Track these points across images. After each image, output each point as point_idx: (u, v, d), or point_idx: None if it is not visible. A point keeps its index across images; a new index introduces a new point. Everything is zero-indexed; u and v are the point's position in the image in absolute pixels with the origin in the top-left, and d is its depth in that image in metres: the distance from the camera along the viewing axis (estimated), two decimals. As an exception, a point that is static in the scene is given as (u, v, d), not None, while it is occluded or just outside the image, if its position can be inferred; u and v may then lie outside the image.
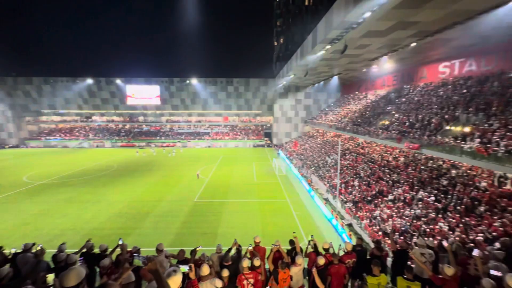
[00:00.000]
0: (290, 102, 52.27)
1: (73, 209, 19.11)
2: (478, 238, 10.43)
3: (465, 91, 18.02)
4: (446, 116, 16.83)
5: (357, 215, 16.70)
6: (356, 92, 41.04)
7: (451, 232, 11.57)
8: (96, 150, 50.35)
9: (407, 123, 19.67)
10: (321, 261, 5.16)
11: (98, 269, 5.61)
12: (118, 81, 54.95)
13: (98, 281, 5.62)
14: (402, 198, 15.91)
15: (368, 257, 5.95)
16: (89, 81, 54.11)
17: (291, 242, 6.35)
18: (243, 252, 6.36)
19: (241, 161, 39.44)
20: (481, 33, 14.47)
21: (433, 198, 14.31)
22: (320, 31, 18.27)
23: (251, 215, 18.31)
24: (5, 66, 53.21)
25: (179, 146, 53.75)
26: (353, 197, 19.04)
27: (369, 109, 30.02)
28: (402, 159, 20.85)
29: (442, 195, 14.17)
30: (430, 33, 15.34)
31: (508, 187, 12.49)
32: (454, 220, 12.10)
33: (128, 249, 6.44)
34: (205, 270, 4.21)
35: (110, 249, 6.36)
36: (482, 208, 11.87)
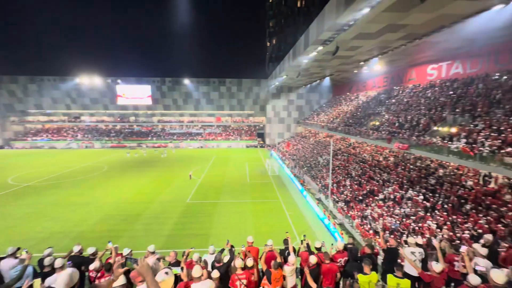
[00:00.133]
0: (283, 103, 52.53)
1: (61, 212, 18.58)
2: (464, 235, 10.76)
3: (451, 92, 18.58)
4: (434, 117, 17.30)
5: (349, 214, 16.94)
6: (348, 93, 41.64)
7: (439, 230, 11.89)
8: (85, 151, 49.15)
9: (397, 124, 20.10)
10: (313, 260, 5.21)
11: (87, 273, 5.48)
12: (108, 81, 53.91)
13: (87, 285, 5.50)
14: (392, 197, 16.25)
15: (359, 255, 6.04)
16: (78, 80, 52.85)
17: (286, 242, 6.39)
18: (236, 253, 6.35)
19: (234, 161, 39.34)
20: (467, 36, 14.98)
21: (421, 197, 14.68)
22: (312, 32, 18.45)
23: (244, 216, 18.28)
24: (-12, 64, 51.30)
25: (171, 147, 53.14)
26: (345, 196, 19.30)
27: (360, 110, 30.51)
28: (392, 159, 21.29)
29: (430, 194, 14.55)
30: (419, 36, 15.73)
31: (492, 185, 12.94)
32: (442, 218, 12.45)
33: (119, 252, 6.32)
34: (197, 271, 4.18)
35: (100, 253, 6.22)
36: (468, 206, 12.25)
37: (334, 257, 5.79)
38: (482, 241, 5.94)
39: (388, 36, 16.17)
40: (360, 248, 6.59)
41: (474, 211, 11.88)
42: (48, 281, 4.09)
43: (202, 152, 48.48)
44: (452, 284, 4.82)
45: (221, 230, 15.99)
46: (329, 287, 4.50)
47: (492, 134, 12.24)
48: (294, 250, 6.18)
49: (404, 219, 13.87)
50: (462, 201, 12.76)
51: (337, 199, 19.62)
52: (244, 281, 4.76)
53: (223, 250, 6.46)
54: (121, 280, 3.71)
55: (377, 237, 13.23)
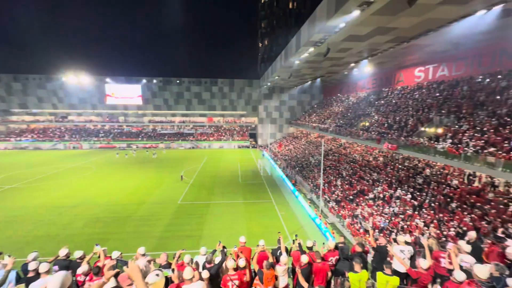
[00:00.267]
0: (275, 103, 52.74)
1: (47, 215, 17.99)
2: (450, 233, 11.10)
3: (438, 94, 19.15)
4: (421, 118, 17.78)
5: (340, 214, 17.17)
6: (338, 94, 42.24)
7: (426, 228, 12.22)
8: (72, 152, 47.78)
9: (386, 125, 20.54)
10: (305, 259, 5.25)
11: (74, 278, 5.32)
12: (97, 80, 52.67)
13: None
14: (381, 196, 16.58)
15: (350, 254, 6.13)
16: (65, 79, 51.36)
17: (278, 241, 6.43)
18: (228, 254, 6.32)
19: (226, 162, 39.18)
20: (452, 40, 15.52)
21: (410, 196, 15.06)
22: (304, 34, 18.63)
23: (236, 216, 18.23)
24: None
25: (162, 148, 52.41)
26: (336, 196, 19.55)
27: (350, 110, 31.01)
28: (381, 159, 21.74)
29: (418, 193, 14.94)
30: (407, 39, 16.16)
31: (476, 184, 13.41)
32: (429, 217, 12.80)
33: (108, 255, 6.18)
34: (188, 273, 4.14)
35: (87, 256, 6.06)
36: (454, 205, 12.65)
37: (325, 256, 5.85)
38: (466, 238, 6.15)
39: (377, 39, 16.52)
40: (351, 247, 6.68)
41: (459, 209, 12.27)
42: (33, 286, 3.95)
43: (194, 153, 48.05)
44: (438, 280, 4.96)
45: (213, 231, 15.89)
46: (321, 286, 4.55)
47: (476, 134, 12.69)
48: (286, 249, 6.21)
49: (393, 218, 14.19)
50: (448, 199, 13.17)
51: (328, 199, 19.86)
52: (236, 282, 4.74)
53: (215, 251, 6.41)
54: (112, 282, 3.63)
55: (367, 235, 13.47)
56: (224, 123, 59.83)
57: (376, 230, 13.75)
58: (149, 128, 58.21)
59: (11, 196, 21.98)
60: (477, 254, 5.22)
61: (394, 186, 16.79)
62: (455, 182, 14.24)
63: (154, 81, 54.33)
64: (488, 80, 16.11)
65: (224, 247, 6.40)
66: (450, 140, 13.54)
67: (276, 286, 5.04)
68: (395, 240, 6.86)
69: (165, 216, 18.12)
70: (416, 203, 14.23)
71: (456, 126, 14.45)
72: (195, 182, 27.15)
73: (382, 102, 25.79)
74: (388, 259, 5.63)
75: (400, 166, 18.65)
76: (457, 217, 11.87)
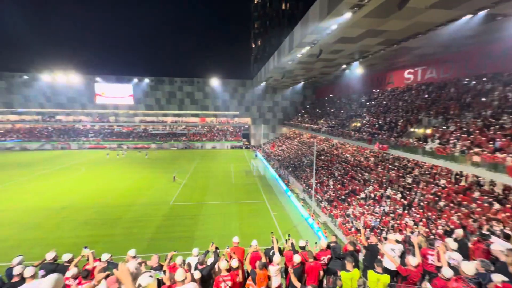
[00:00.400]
0: (268, 104, 52.87)
1: (33, 218, 17.44)
2: (438, 231, 11.38)
3: (426, 96, 19.63)
4: (411, 119, 18.19)
5: (332, 213, 17.35)
6: (331, 95, 42.71)
7: (415, 226, 12.49)
8: (60, 152, 46.50)
9: (377, 125, 20.90)
10: (297, 259, 5.27)
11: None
12: (87, 79, 51.50)
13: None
14: (372, 196, 16.85)
15: (342, 253, 6.20)
16: (52, 77, 49.96)
17: (274, 242, 6.43)
18: (221, 254, 6.28)
19: (219, 162, 38.99)
20: (440, 43, 15.95)
21: (399, 195, 15.36)
22: (297, 35, 18.77)
23: (229, 217, 18.16)
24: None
25: (153, 148, 51.69)
26: (328, 196, 19.75)
27: (342, 111, 31.41)
28: (372, 159, 22.09)
29: (408, 192, 15.26)
30: (397, 42, 16.52)
31: (463, 183, 13.80)
32: (418, 215, 13.09)
33: (96, 258, 6.03)
34: (180, 275, 4.09)
35: (75, 259, 5.89)
36: (442, 203, 12.98)
37: (317, 255, 5.89)
38: (454, 235, 6.32)
39: (368, 41, 16.82)
40: (343, 246, 6.76)
41: (447, 207, 12.60)
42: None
43: (187, 153, 47.61)
44: (427, 277, 5.08)
45: (206, 232, 15.78)
46: (313, 285, 4.58)
47: (463, 135, 13.08)
48: (280, 249, 6.22)
49: (383, 217, 14.44)
50: (437, 198, 13.50)
51: (320, 199, 20.03)
52: (229, 283, 4.72)
53: (207, 252, 6.36)
54: (102, 285, 3.56)
55: (359, 234, 13.66)
56: (217, 123, 59.54)
57: (367, 229, 13.97)
58: (140, 128, 57.31)
59: (-5, 198, 21.20)
60: (464, 251, 5.38)
61: (384, 185, 17.09)
62: (443, 181, 14.62)
63: (146, 80, 53.54)
64: (474, 82, 16.63)
65: (217, 248, 6.36)
66: (438, 141, 13.89)
67: (269, 286, 5.04)
68: (385, 239, 7.00)
69: (156, 217, 17.87)
70: (405, 202, 14.53)
71: (444, 127, 14.84)
72: (188, 182, 26.89)
73: (373, 103, 26.25)
74: (379, 257, 5.72)
75: (390, 166, 19.01)
76: (445, 215, 12.19)
